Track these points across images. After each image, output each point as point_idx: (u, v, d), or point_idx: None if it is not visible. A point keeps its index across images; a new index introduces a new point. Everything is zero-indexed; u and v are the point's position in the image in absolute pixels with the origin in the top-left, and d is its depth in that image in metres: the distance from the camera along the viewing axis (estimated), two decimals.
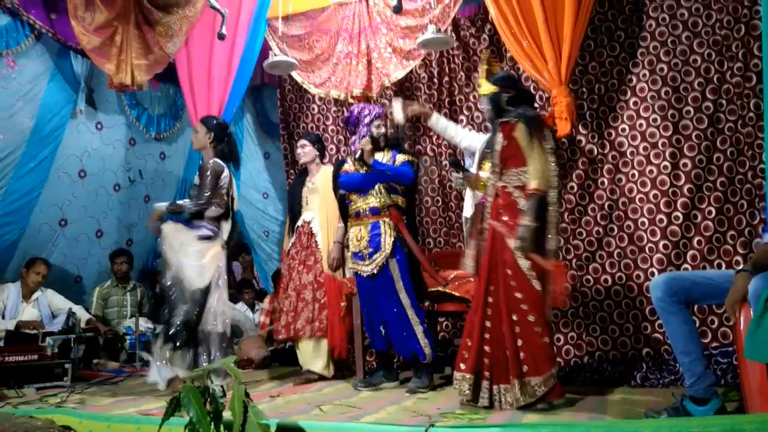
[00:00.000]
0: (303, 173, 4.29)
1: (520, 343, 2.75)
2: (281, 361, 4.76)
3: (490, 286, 2.85)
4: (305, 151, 4.19)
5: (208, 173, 3.67)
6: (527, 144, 2.87)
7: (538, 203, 2.81)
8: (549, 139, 2.93)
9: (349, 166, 3.74)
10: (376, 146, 3.64)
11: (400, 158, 3.65)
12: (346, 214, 3.77)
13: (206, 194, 3.64)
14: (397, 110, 3.60)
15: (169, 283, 3.53)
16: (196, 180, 3.77)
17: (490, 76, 3.12)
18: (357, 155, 3.58)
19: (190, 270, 3.56)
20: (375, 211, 3.58)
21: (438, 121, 3.75)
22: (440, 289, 3.61)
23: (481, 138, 3.70)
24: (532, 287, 2.77)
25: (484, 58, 3.22)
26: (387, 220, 3.56)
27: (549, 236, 2.85)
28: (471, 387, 2.80)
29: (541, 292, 2.78)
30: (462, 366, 2.85)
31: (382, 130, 3.68)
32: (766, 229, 2.58)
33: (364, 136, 3.64)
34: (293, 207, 4.26)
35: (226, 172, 3.76)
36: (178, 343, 3.43)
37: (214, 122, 3.87)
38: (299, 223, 4.18)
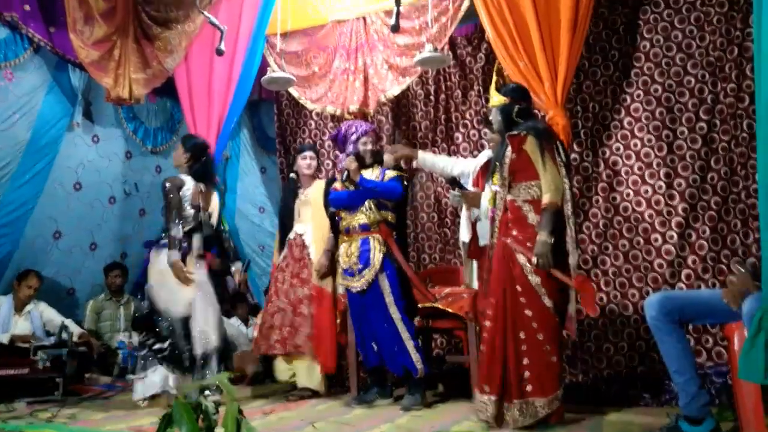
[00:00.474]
0: (295, 186, 4.29)
1: (526, 361, 2.68)
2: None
3: (504, 302, 2.75)
4: (313, 163, 4.22)
5: (163, 194, 3.69)
6: (538, 157, 2.79)
7: (553, 218, 2.73)
8: (560, 152, 2.88)
9: (338, 184, 3.76)
10: (363, 163, 3.66)
11: (389, 174, 3.65)
12: (336, 230, 3.79)
13: (168, 216, 3.66)
14: (387, 158, 3.67)
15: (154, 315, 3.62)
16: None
17: (501, 88, 3.09)
18: (344, 175, 3.61)
19: (162, 302, 3.60)
20: (365, 228, 3.59)
21: (425, 160, 3.78)
22: (434, 305, 3.60)
23: (472, 161, 3.73)
24: (542, 304, 2.71)
25: (495, 68, 3.23)
26: (377, 236, 3.56)
27: (570, 250, 2.77)
28: (492, 407, 2.69)
29: (552, 309, 2.72)
30: (486, 388, 2.74)
31: (369, 147, 3.71)
32: None
33: (349, 154, 3.66)
34: (284, 219, 4.25)
35: (187, 185, 3.73)
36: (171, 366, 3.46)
37: (193, 142, 3.88)
38: (291, 235, 4.17)
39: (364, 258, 3.53)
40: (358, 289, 3.54)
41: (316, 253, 4.06)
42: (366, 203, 3.60)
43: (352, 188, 3.62)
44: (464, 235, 3.53)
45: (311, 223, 4.11)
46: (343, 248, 3.67)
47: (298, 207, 4.19)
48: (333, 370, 3.96)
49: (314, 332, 3.93)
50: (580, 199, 3.89)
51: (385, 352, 3.50)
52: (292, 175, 4.32)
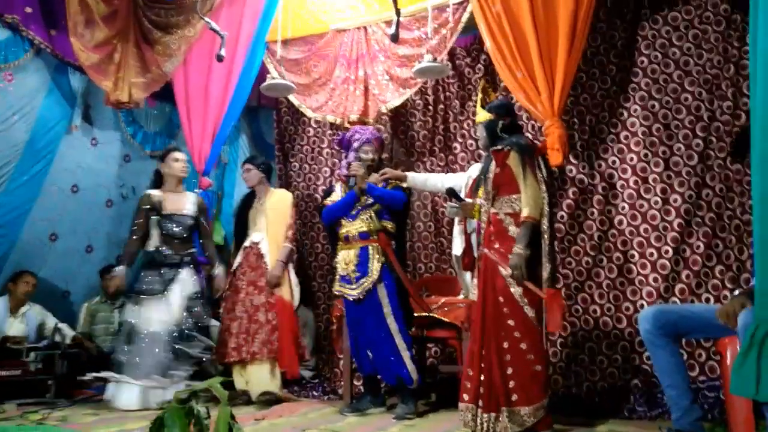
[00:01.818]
0: (251, 195, 4.36)
1: (510, 371, 2.72)
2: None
3: (485, 313, 2.83)
4: (250, 175, 4.31)
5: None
6: (520, 171, 2.87)
7: (530, 231, 2.80)
8: (541, 168, 2.93)
9: (336, 195, 3.76)
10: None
11: (391, 183, 3.68)
12: (334, 238, 3.77)
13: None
14: (375, 177, 3.68)
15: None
16: None
17: (486, 104, 3.14)
18: (351, 182, 3.60)
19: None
20: (364, 236, 3.58)
21: (414, 180, 3.80)
22: (430, 314, 3.61)
23: (462, 175, 3.75)
24: (525, 314, 2.76)
25: (480, 86, 3.26)
26: (375, 244, 3.56)
27: (543, 264, 2.81)
28: (473, 417, 2.75)
29: (535, 320, 2.76)
30: (465, 396, 2.81)
31: (370, 155, 3.71)
32: None
33: (350, 162, 3.67)
34: (239, 228, 4.30)
35: (144, 197, 4.03)
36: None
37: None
38: (247, 243, 4.21)
39: (363, 266, 3.53)
40: (355, 297, 3.53)
41: (272, 261, 4.10)
42: (366, 212, 3.60)
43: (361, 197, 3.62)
44: (457, 249, 3.53)
45: (266, 231, 4.17)
46: (341, 255, 3.66)
47: (254, 216, 4.25)
48: (297, 375, 4.08)
49: (278, 339, 3.96)
50: (576, 211, 3.91)
51: (380, 361, 3.50)
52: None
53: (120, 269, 3.94)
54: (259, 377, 3.95)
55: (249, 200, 4.34)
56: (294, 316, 4.13)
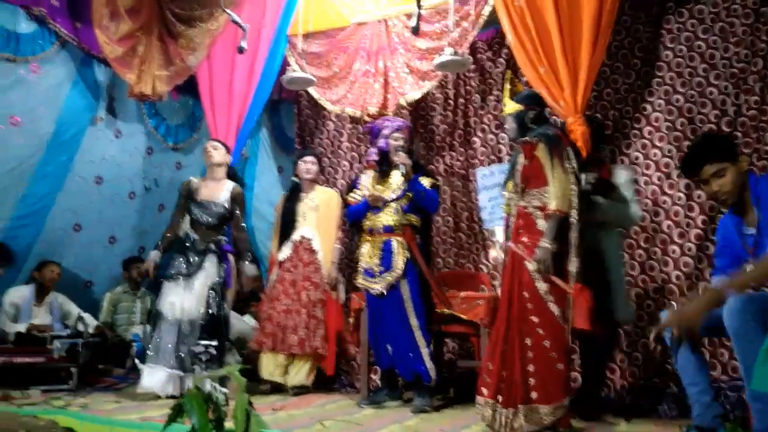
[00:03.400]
0: (297, 189, 4.39)
1: (531, 368, 2.67)
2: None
3: (511, 308, 2.78)
4: (312, 168, 4.36)
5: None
6: (548, 163, 2.81)
7: (558, 225, 2.74)
8: (571, 159, 2.86)
9: (362, 187, 3.72)
10: (388, 162, 3.64)
11: (426, 182, 3.61)
12: (359, 230, 3.78)
13: None
14: (402, 157, 3.61)
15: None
16: None
17: (514, 96, 3.09)
18: (401, 169, 3.55)
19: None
20: (388, 229, 3.57)
21: None
22: (451, 311, 3.59)
23: None
24: (549, 311, 2.70)
25: (507, 77, 3.22)
26: (400, 239, 3.54)
27: (571, 259, 2.75)
28: (492, 412, 2.70)
29: (560, 317, 2.70)
30: (484, 391, 2.75)
31: (400, 143, 3.65)
32: (714, 272, 2.52)
33: (381, 148, 3.66)
34: (287, 219, 4.33)
35: (183, 183, 4.13)
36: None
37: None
38: (296, 237, 4.26)
39: (386, 260, 3.52)
40: (377, 291, 3.52)
41: (324, 259, 4.19)
42: (393, 205, 3.59)
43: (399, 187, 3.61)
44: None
45: (318, 229, 4.26)
46: (364, 248, 3.65)
47: (303, 210, 4.29)
48: (333, 372, 4.19)
49: (326, 336, 4.11)
50: None
51: (398, 356, 3.49)
52: (294, 178, 4.47)
53: (154, 253, 3.96)
54: (301, 370, 4.07)
55: (296, 193, 4.39)
56: (341, 314, 4.23)
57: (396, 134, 3.66)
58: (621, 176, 3.25)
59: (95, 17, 4.18)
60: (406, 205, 3.60)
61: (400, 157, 3.56)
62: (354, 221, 3.81)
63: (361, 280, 3.65)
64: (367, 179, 3.75)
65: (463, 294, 3.67)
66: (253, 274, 4.09)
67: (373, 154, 3.74)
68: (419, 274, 3.52)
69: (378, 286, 3.52)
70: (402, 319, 3.45)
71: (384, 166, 3.68)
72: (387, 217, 3.58)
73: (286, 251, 4.26)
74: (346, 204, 3.91)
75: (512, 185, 2.98)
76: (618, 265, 3.21)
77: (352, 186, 3.87)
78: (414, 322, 3.44)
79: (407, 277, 3.48)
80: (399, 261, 3.49)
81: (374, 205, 3.61)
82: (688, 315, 2.15)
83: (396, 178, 3.63)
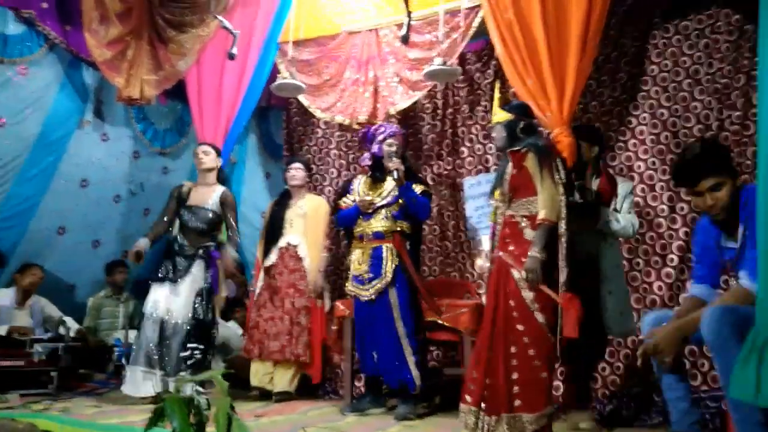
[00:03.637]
0: (286, 195, 4.41)
1: (515, 376, 2.67)
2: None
3: (496, 316, 2.79)
4: (298, 174, 4.36)
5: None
6: (537, 173, 2.83)
7: (546, 234, 2.75)
8: (560, 170, 2.88)
9: (354, 192, 3.73)
10: (380, 168, 3.64)
11: (418, 189, 3.62)
12: (350, 236, 3.79)
13: None
14: (395, 163, 3.60)
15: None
16: None
17: (505, 105, 3.11)
18: (394, 175, 3.55)
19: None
20: (378, 236, 3.58)
21: None
22: (435, 319, 3.60)
23: None
24: (534, 319, 2.71)
25: (497, 87, 3.25)
26: (389, 245, 3.54)
27: (560, 268, 2.76)
28: (475, 419, 2.70)
29: (545, 325, 2.71)
30: (468, 398, 2.76)
31: (394, 148, 3.65)
32: (694, 280, 2.50)
33: (375, 153, 3.67)
34: (274, 225, 4.33)
35: (175, 187, 4.15)
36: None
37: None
38: (282, 243, 4.26)
39: (376, 267, 3.52)
40: (366, 298, 3.52)
41: (310, 266, 4.20)
42: (383, 211, 3.59)
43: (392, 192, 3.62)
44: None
45: (305, 237, 4.25)
46: (355, 255, 3.66)
47: (291, 217, 4.30)
48: (320, 380, 4.19)
49: (310, 344, 4.12)
50: None
51: (384, 364, 3.49)
52: (287, 186, 4.48)
53: (143, 240, 3.92)
54: (283, 377, 4.07)
55: (285, 200, 4.39)
56: (325, 322, 4.23)
57: (390, 140, 3.67)
58: (620, 188, 3.28)
59: (85, 20, 4.17)
60: (396, 212, 3.60)
61: (394, 163, 3.56)
62: (344, 226, 3.83)
63: (350, 287, 3.65)
64: (359, 184, 3.77)
65: (447, 302, 3.68)
66: (234, 257, 3.94)
67: (366, 159, 3.76)
68: (408, 281, 3.52)
69: (367, 293, 3.52)
70: (389, 326, 3.46)
71: (377, 172, 3.69)
72: (377, 224, 3.59)
73: (272, 258, 4.27)
74: (336, 209, 3.91)
75: (499, 194, 3.01)
76: (617, 276, 3.20)
77: (345, 190, 3.87)
78: (401, 329, 3.44)
79: (396, 285, 3.49)
80: (388, 268, 3.50)
81: (364, 210, 3.61)
82: (662, 349, 2.16)
83: (389, 183, 3.64)
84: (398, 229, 3.58)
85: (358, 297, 3.59)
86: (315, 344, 4.16)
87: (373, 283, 3.51)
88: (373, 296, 3.49)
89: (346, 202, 3.77)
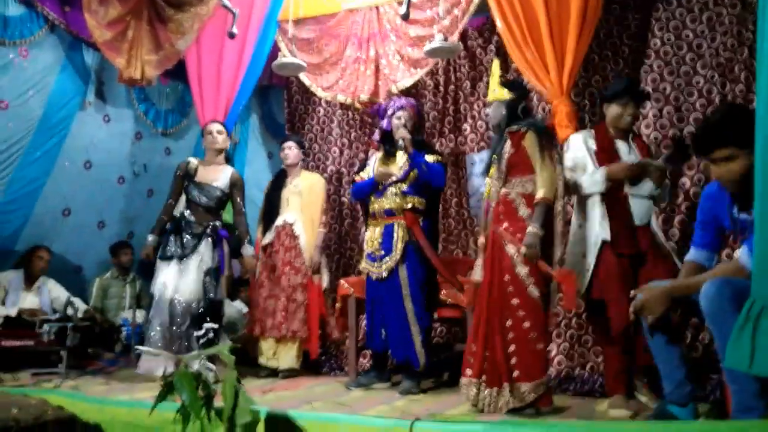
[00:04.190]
0: (282, 174, 4.42)
1: (512, 348, 2.76)
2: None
3: (492, 291, 2.86)
4: (291, 153, 4.36)
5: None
6: (536, 153, 2.89)
7: (545, 212, 2.83)
8: (559, 150, 2.95)
9: (369, 168, 3.74)
10: (391, 141, 3.63)
11: (430, 158, 3.59)
12: (366, 213, 3.81)
13: None
14: (402, 132, 3.59)
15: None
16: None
17: (507, 83, 3.13)
18: (399, 144, 3.55)
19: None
20: (389, 213, 3.57)
21: None
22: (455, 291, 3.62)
23: None
24: (529, 294, 2.79)
25: (496, 64, 3.26)
26: (401, 221, 3.54)
27: (556, 245, 2.88)
28: (477, 392, 2.79)
29: (539, 299, 2.79)
30: (468, 371, 2.86)
31: (402, 120, 3.63)
32: (695, 245, 2.49)
33: (385, 128, 3.67)
34: (271, 204, 4.36)
35: (180, 164, 4.15)
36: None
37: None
38: (279, 222, 4.30)
39: (387, 245, 3.52)
40: (377, 275, 3.53)
41: (306, 243, 4.22)
42: (392, 187, 3.60)
43: (402, 164, 3.59)
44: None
45: (301, 214, 4.26)
46: (368, 233, 3.68)
47: (287, 196, 4.31)
48: (317, 356, 4.24)
49: (307, 319, 4.13)
50: None
51: (392, 340, 3.52)
52: (282, 166, 4.48)
53: (151, 238, 3.97)
54: (288, 353, 4.11)
55: (281, 179, 4.41)
56: (322, 298, 4.26)
57: (399, 113, 3.65)
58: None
59: (84, 1, 4.14)
60: (407, 188, 3.59)
61: (399, 133, 3.56)
62: (358, 199, 3.84)
63: (364, 264, 3.68)
64: (374, 160, 3.79)
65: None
66: (250, 255, 4.13)
67: (376, 134, 3.77)
68: (420, 258, 3.50)
69: (378, 271, 3.53)
70: (398, 304, 3.46)
71: (388, 146, 3.69)
72: (387, 201, 3.58)
73: (269, 236, 4.30)
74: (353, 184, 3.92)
75: (495, 171, 3.04)
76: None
77: (362, 166, 3.90)
78: (409, 308, 3.45)
79: (406, 262, 3.48)
80: (398, 245, 3.51)
81: (381, 180, 3.60)
82: (648, 307, 2.20)
83: (400, 158, 3.63)
84: (409, 205, 3.56)
85: (370, 274, 3.61)
86: (312, 320, 4.17)
87: (385, 260, 3.52)
88: (384, 273, 3.50)
89: (362, 176, 3.78)
